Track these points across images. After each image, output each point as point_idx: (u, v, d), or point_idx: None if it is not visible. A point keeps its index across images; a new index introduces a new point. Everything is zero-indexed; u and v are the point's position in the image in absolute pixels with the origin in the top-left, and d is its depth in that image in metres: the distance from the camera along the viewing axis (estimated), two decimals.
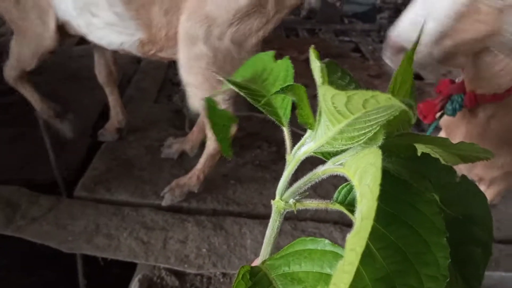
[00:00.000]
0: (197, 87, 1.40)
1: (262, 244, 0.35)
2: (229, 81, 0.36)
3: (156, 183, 1.79)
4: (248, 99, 0.37)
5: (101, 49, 1.75)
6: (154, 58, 1.56)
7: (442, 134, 1.11)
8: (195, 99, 1.43)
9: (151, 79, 2.87)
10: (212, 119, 0.51)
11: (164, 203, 1.66)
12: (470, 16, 0.82)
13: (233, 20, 1.26)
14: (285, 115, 0.38)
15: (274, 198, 0.35)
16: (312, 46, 0.34)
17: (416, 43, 0.31)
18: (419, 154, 0.30)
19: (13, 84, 1.73)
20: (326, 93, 0.26)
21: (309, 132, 0.32)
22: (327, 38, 4.42)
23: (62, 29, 1.54)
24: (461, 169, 1.14)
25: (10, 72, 1.68)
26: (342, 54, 3.99)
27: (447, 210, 0.28)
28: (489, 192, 1.24)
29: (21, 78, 1.71)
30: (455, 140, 0.28)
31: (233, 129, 1.63)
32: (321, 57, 0.30)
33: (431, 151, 0.30)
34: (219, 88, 1.39)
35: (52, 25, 1.49)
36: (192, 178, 1.71)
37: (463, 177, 0.30)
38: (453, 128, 1.07)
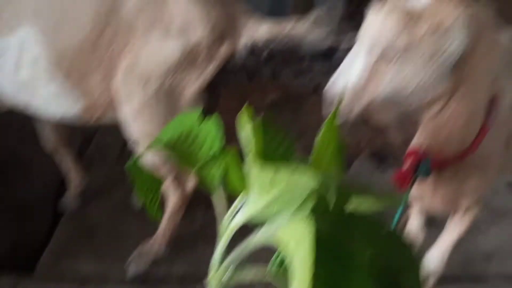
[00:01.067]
0: (144, 142, 1.43)
1: None
2: (158, 142, 0.36)
3: (121, 251, 1.73)
4: (179, 162, 0.37)
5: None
6: (98, 123, 1.59)
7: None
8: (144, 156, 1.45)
9: (112, 137, 2.84)
10: (136, 182, 0.50)
11: (129, 274, 1.62)
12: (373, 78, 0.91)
13: (167, 75, 1.35)
14: (213, 182, 0.38)
15: None
16: (246, 106, 0.35)
17: (337, 106, 0.33)
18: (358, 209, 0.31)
19: None
20: (253, 167, 0.27)
21: (239, 199, 0.32)
22: (287, 79, 4.55)
23: None
24: (449, 200, 1.20)
25: None
26: (302, 95, 4.10)
27: (378, 262, 0.29)
28: (468, 217, 1.31)
29: None
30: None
31: (191, 185, 1.63)
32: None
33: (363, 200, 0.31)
34: None
35: None
36: (156, 241, 1.68)
37: (390, 231, 0.32)
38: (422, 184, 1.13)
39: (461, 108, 0.96)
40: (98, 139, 2.83)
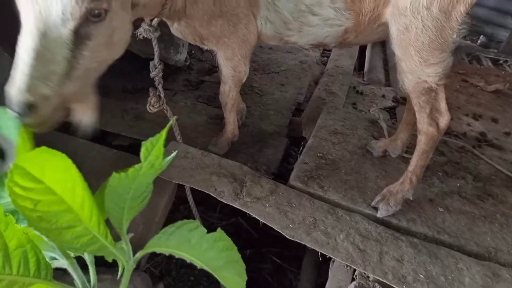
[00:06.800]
0: (405, 60, 1.46)
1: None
2: None
3: (364, 191, 1.76)
4: None
5: None
6: (342, 46, 1.73)
7: None
8: (404, 75, 1.50)
9: (338, 84, 2.88)
10: None
11: (379, 214, 1.63)
12: None
13: None
14: None
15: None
16: None
17: None
18: None
19: None
20: None
21: None
22: None
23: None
24: None
25: None
26: None
27: None
28: None
29: None
30: None
31: (445, 121, 1.58)
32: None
33: None
34: (431, 61, 1.42)
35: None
36: (404, 183, 1.67)
37: None
38: None
39: None
40: (325, 83, 2.91)
